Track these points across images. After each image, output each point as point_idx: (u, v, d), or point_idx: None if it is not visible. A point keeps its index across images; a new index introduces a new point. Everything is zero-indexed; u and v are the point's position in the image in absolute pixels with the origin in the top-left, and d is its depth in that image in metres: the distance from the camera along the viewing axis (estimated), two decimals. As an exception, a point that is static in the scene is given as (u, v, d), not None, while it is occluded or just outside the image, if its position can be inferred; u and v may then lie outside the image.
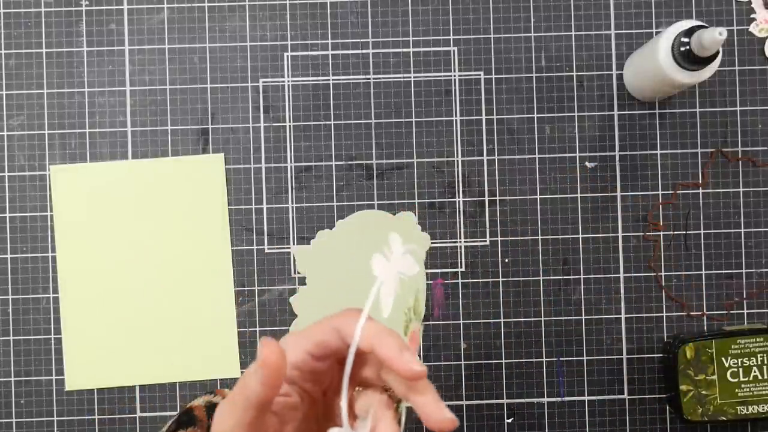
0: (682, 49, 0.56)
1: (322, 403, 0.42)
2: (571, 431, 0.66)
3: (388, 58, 0.68)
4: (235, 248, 0.67)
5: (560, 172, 0.67)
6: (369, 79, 0.67)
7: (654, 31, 0.68)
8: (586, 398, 0.66)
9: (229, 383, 0.66)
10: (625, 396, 0.67)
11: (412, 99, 0.67)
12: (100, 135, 0.67)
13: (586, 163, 0.67)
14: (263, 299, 0.67)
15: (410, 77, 0.67)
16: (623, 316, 0.67)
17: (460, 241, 0.67)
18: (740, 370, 0.62)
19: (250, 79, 0.67)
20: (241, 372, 0.66)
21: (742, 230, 0.67)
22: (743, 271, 0.67)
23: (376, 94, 0.67)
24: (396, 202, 0.67)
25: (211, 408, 0.49)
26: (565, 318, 0.67)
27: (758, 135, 0.67)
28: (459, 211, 0.67)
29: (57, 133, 0.67)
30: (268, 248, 0.67)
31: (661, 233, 0.67)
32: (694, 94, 0.67)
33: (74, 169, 0.67)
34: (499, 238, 0.67)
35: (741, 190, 0.67)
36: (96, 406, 0.66)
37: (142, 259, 0.66)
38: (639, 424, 0.66)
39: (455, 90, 0.67)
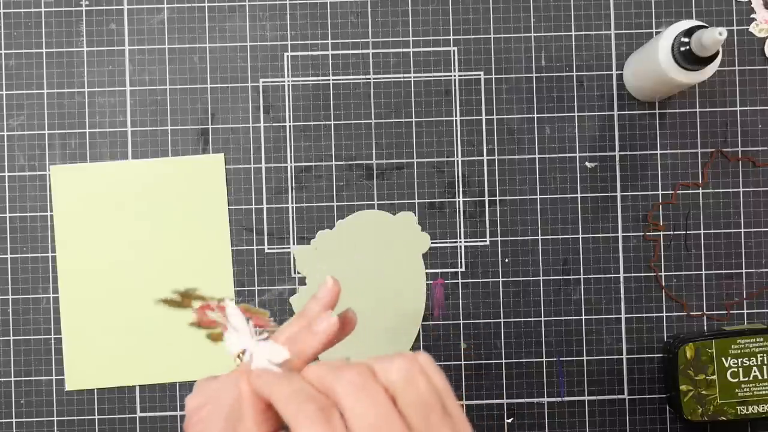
0: (682, 49, 0.56)
1: None
2: (571, 431, 0.66)
3: (388, 58, 0.68)
4: (235, 248, 0.67)
5: (560, 172, 0.67)
6: (369, 79, 0.67)
7: (654, 31, 0.68)
8: (586, 398, 0.66)
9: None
10: (625, 396, 0.67)
11: (412, 99, 0.67)
12: (100, 135, 0.67)
13: (586, 163, 0.67)
14: (263, 299, 0.67)
15: (410, 77, 0.67)
16: (623, 316, 0.67)
17: (460, 241, 0.67)
18: (740, 370, 0.62)
19: (250, 79, 0.67)
20: (241, 372, 0.66)
21: (742, 230, 0.67)
22: (743, 271, 0.67)
23: (376, 94, 0.67)
24: (396, 202, 0.67)
25: None
26: (565, 318, 0.67)
27: (758, 135, 0.67)
28: (459, 211, 0.67)
29: (57, 133, 0.67)
30: (268, 248, 0.67)
31: (661, 233, 0.67)
32: (694, 94, 0.68)
33: (74, 169, 0.67)
34: (499, 238, 0.67)
35: (741, 190, 0.67)
36: (96, 406, 0.66)
37: (142, 259, 0.66)
38: (639, 424, 0.66)
39: (455, 90, 0.67)
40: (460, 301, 0.67)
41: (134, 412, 0.66)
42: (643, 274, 0.67)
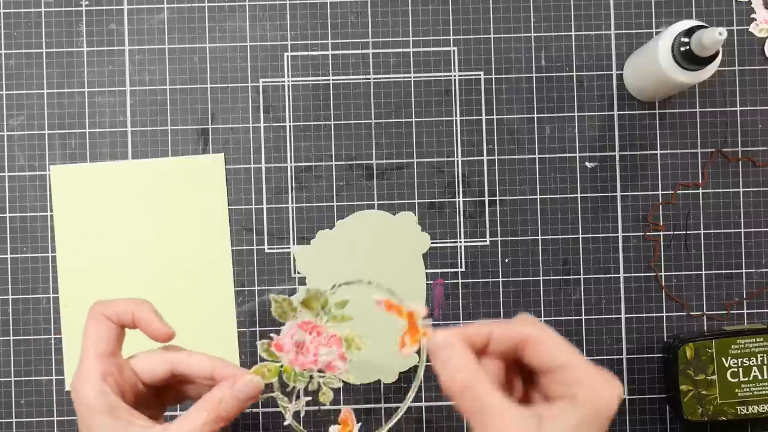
0: (682, 49, 0.56)
1: None
2: (571, 431, 0.66)
3: (388, 58, 0.68)
4: (235, 248, 0.67)
5: (560, 172, 0.67)
6: (369, 79, 0.67)
7: (654, 31, 0.68)
8: (586, 398, 0.66)
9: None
10: (626, 396, 0.67)
11: (412, 99, 0.67)
12: (100, 135, 0.67)
13: (586, 163, 0.67)
14: (263, 299, 0.67)
15: (410, 77, 0.67)
16: (623, 316, 0.67)
17: (460, 241, 0.67)
18: (740, 370, 0.62)
19: (250, 79, 0.67)
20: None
21: (742, 230, 0.67)
22: (743, 271, 0.67)
23: (376, 94, 0.67)
24: (396, 202, 0.67)
25: None
26: (565, 318, 0.67)
27: (758, 135, 0.67)
28: (459, 211, 0.67)
29: (57, 133, 0.67)
30: (268, 248, 0.67)
31: (661, 233, 0.67)
32: (694, 94, 0.68)
33: (74, 169, 0.67)
34: (499, 238, 0.67)
35: (741, 190, 0.67)
36: (96, 406, 0.66)
37: (141, 259, 0.66)
38: (639, 424, 0.66)
39: (455, 90, 0.67)
40: (460, 301, 0.67)
41: (134, 412, 0.66)
42: (643, 274, 0.67)
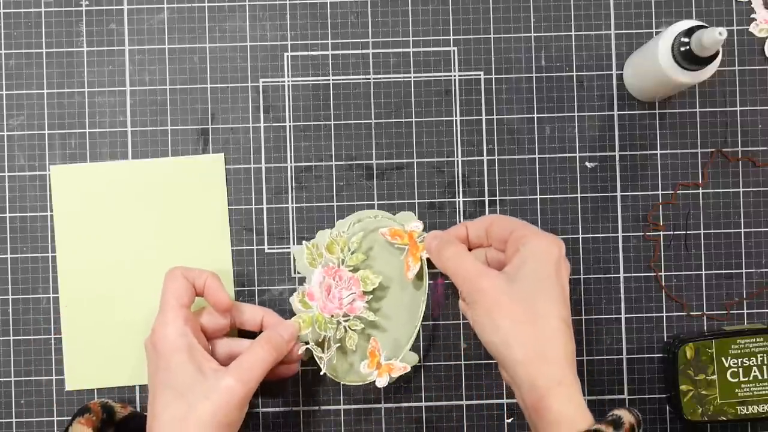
0: (682, 49, 0.56)
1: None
2: (571, 431, 0.66)
3: (388, 58, 0.68)
4: (235, 248, 0.67)
5: (560, 172, 0.67)
6: (369, 79, 0.67)
7: (654, 31, 0.68)
8: (586, 398, 0.66)
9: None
10: (625, 396, 0.67)
11: (412, 99, 0.67)
12: (100, 135, 0.67)
13: (586, 163, 0.67)
14: (263, 299, 0.67)
15: (410, 77, 0.67)
16: (623, 316, 0.67)
17: (460, 241, 0.67)
18: (740, 370, 0.62)
19: (250, 79, 0.67)
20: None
21: (742, 230, 0.67)
22: (743, 271, 0.67)
23: (376, 94, 0.67)
24: (396, 202, 0.67)
25: (105, 406, 0.60)
26: (565, 318, 0.67)
27: (758, 135, 0.67)
28: (459, 211, 0.67)
29: (57, 133, 0.67)
30: (268, 248, 0.67)
31: (661, 233, 0.67)
32: (694, 94, 0.68)
33: (74, 169, 0.67)
34: (499, 238, 0.67)
35: (741, 190, 0.67)
36: (96, 406, 0.66)
37: (142, 259, 0.66)
38: (639, 424, 0.66)
39: (455, 90, 0.67)
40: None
41: (134, 412, 0.66)
42: (643, 274, 0.67)
